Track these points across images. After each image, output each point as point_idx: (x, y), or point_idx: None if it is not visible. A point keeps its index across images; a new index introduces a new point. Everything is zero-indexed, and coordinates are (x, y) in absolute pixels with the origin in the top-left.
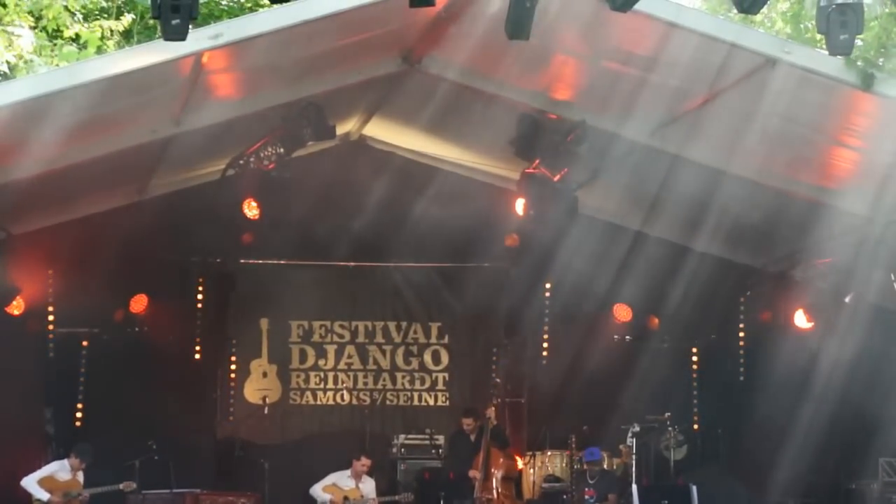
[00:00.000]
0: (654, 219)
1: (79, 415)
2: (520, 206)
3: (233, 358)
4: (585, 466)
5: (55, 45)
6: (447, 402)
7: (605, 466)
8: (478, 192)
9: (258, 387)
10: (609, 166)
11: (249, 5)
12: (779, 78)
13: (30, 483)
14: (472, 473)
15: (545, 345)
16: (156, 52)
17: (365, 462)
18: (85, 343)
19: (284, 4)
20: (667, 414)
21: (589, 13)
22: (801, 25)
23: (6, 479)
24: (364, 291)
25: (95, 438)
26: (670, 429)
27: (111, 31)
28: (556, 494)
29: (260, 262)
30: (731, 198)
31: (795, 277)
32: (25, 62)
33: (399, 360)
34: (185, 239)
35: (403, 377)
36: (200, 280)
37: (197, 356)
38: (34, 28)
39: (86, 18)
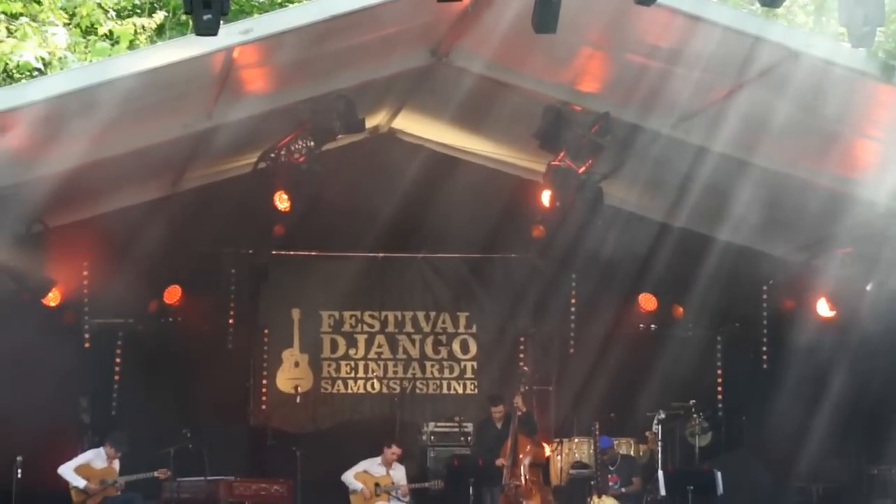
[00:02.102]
0: (677, 209)
1: (114, 404)
2: (546, 197)
3: (265, 348)
4: (600, 454)
5: (88, 41)
6: (476, 391)
7: (629, 453)
8: (504, 183)
9: (290, 376)
10: (633, 157)
11: (280, 1)
12: (801, 70)
13: (66, 471)
14: (500, 462)
15: (572, 334)
16: (188, 48)
17: (395, 450)
18: (120, 333)
19: (314, 0)
20: (692, 401)
21: (613, 6)
22: (823, 18)
23: (44, 467)
24: (393, 282)
25: (130, 427)
26: (695, 415)
27: (143, 27)
28: (584, 480)
29: (291, 253)
30: (753, 188)
31: (818, 266)
32: (59, 59)
33: (428, 350)
34: (218, 231)
35: (432, 366)
36: (233, 271)
37: (230, 346)
38: (68, 25)
39: (119, 15)
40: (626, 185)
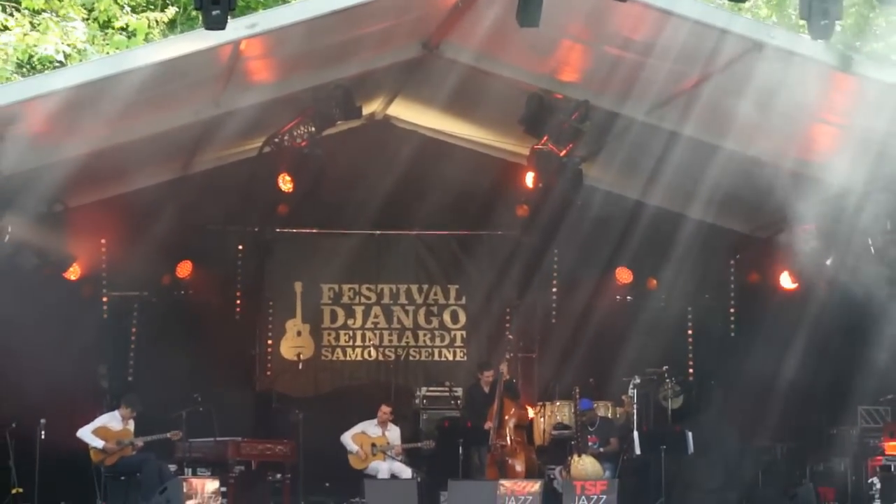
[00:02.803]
0: (651, 189)
1: (130, 370)
2: (529, 178)
3: (269, 318)
4: (580, 416)
5: (106, 34)
6: (465, 358)
7: (607, 415)
8: (491, 166)
9: (293, 344)
10: (610, 142)
11: None
12: (765, 60)
13: (85, 433)
14: (487, 426)
15: (554, 305)
16: (198, 41)
17: (385, 410)
18: (136, 305)
19: None
20: (665, 367)
21: (591, 2)
22: (785, 12)
23: (66, 429)
24: (388, 257)
25: (145, 392)
26: (668, 380)
27: (157, 21)
28: (564, 441)
29: (294, 231)
30: (722, 170)
31: (781, 242)
32: (79, 52)
33: (421, 320)
34: (226, 210)
35: (425, 335)
36: (240, 247)
37: (237, 317)
38: (87, 20)
39: (134, 10)
40: (603, 167)
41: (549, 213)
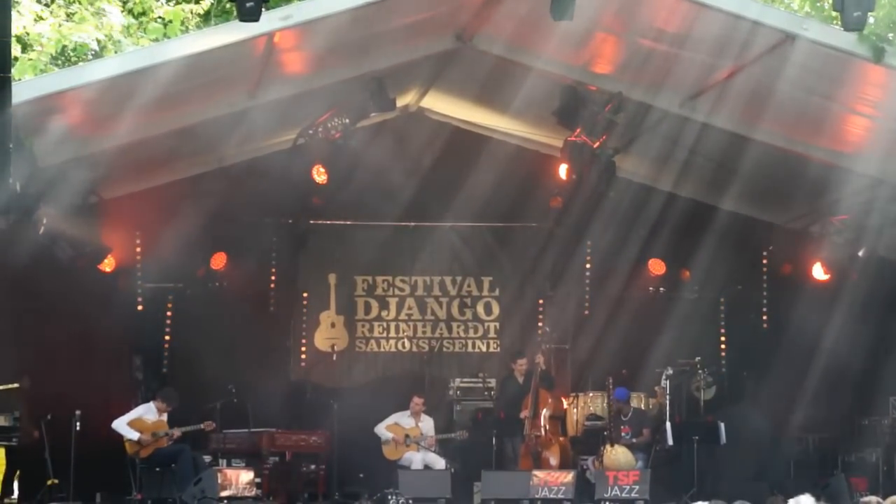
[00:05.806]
0: (684, 181)
1: (165, 362)
2: (563, 170)
3: (304, 310)
4: (615, 405)
5: (141, 23)
6: (498, 349)
7: (640, 406)
8: (524, 158)
9: (327, 336)
10: (644, 133)
11: None
12: (797, 52)
13: (120, 425)
14: (523, 414)
15: (587, 296)
16: (232, 33)
17: (417, 401)
18: (170, 297)
19: None
20: (697, 358)
21: None
22: (818, 4)
23: (101, 421)
24: (422, 249)
25: (180, 383)
26: (700, 372)
27: (191, 13)
28: (598, 431)
29: (328, 222)
30: (754, 161)
31: (813, 233)
32: (114, 42)
33: (454, 311)
34: (261, 202)
35: (458, 326)
36: (274, 239)
37: (271, 308)
38: (122, 12)
39: (168, 1)
40: (637, 159)
41: (582, 204)
